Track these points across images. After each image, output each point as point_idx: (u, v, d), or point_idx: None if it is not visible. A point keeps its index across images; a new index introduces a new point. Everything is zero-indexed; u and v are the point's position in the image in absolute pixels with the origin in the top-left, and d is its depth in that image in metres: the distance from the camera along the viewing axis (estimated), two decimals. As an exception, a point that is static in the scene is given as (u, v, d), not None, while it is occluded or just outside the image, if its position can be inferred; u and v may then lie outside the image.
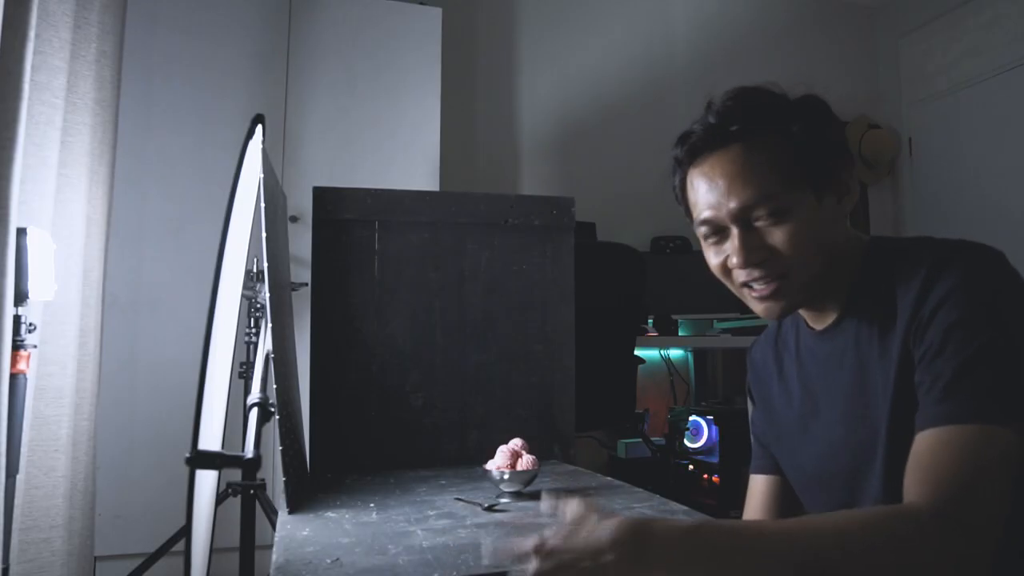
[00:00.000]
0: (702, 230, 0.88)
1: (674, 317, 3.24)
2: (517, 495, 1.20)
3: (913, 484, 0.70)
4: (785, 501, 1.03)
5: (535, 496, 1.20)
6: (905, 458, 0.73)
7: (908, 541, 0.64)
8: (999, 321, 0.73)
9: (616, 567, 0.63)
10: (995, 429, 0.69)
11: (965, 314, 0.74)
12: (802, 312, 0.94)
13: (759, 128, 0.83)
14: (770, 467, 1.04)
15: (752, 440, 1.09)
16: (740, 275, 0.86)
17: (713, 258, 0.89)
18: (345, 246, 1.60)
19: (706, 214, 0.86)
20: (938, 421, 0.72)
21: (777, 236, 0.82)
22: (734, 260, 0.84)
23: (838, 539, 0.65)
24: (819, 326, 0.92)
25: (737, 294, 0.90)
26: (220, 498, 1.92)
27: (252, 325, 2.06)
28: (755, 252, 0.83)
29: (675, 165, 0.91)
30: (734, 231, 0.84)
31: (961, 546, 0.64)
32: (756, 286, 0.85)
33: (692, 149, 0.87)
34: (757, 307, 0.87)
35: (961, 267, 0.77)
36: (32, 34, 1.49)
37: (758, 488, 1.05)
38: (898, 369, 0.79)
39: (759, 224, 0.83)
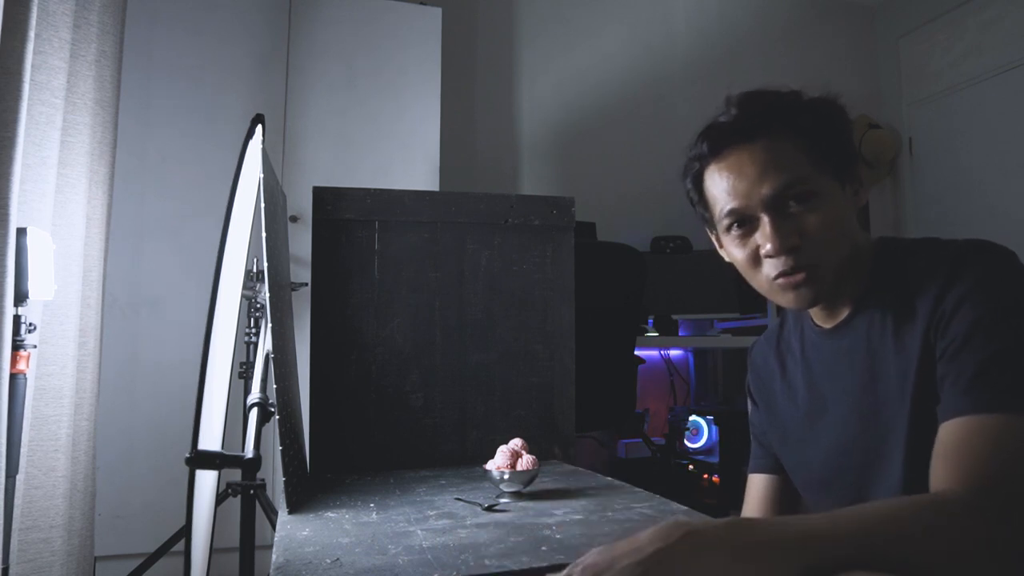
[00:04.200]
0: (726, 222, 0.87)
1: (674, 317, 3.24)
2: (517, 495, 1.20)
3: (942, 473, 0.70)
4: (784, 500, 1.03)
5: (535, 496, 1.20)
6: (925, 453, 0.73)
7: (944, 529, 0.64)
8: (1021, 317, 0.74)
9: (658, 561, 0.60)
10: (1021, 418, 0.70)
11: (988, 309, 0.75)
12: (811, 310, 0.94)
13: (781, 122, 0.84)
14: (769, 466, 1.04)
15: (752, 440, 1.10)
16: (772, 265, 0.85)
17: (738, 252, 0.87)
18: (345, 246, 1.60)
19: (733, 204, 0.85)
20: (964, 411, 0.72)
21: (809, 222, 0.82)
22: (767, 248, 0.83)
23: (885, 527, 0.63)
24: (827, 324, 0.92)
25: (761, 288, 0.88)
26: (220, 498, 1.92)
27: (252, 325, 2.06)
28: (788, 238, 0.82)
29: (692, 161, 0.90)
30: (765, 219, 0.83)
31: (997, 532, 0.64)
32: (788, 275, 0.84)
33: (716, 144, 0.86)
34: (787, 297, 0.86)
35: (981, 264, 0.78)
36: (32, 34, 1.48)
37: (757, 487, 1.06)
38: (919, 364, 0.79)
39: (791, 211, 0.83)
